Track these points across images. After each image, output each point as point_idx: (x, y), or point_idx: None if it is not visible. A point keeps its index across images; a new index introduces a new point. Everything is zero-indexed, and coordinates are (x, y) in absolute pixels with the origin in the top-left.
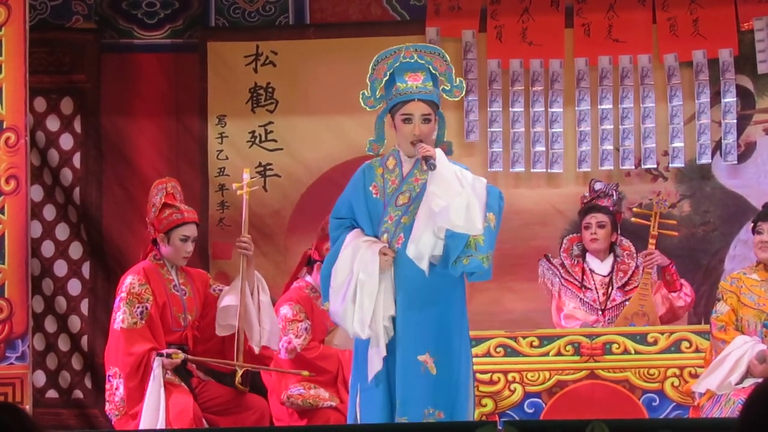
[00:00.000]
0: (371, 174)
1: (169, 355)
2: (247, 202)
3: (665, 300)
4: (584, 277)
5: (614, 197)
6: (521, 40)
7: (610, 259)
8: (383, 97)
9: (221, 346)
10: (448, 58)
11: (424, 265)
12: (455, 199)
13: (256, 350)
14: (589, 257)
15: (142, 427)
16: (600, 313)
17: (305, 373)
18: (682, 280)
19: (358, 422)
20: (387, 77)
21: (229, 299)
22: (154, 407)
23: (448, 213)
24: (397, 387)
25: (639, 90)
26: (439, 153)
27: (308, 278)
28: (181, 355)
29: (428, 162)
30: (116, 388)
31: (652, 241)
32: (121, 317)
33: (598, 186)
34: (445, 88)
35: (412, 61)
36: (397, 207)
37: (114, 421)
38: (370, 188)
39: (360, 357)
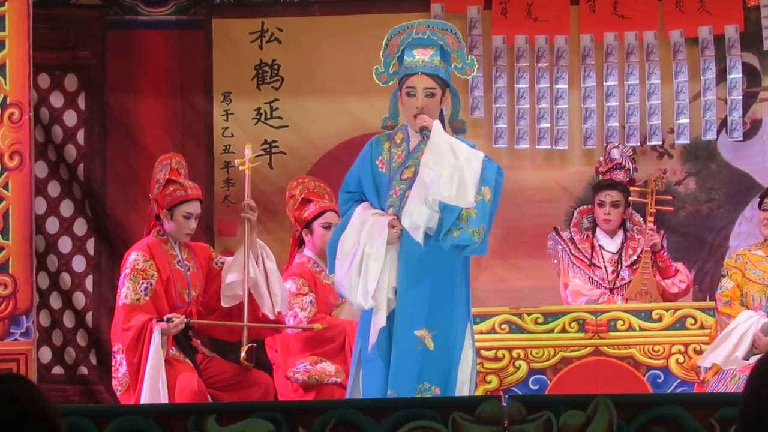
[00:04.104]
0: (378, 148)
1: (169, 319)
2: (249, 178)
3: (659, 286)
4: (593, 254)
5: (630, 169)
6: (526, 16)
7: (620, 236)
8: (396, 72)
9: (228, 316)
10: (461, 36)
11: (419, 237)
12: (447, 170)
13: (271, 317)
14: (599, 232)
15: (143, 398)
16: (608, 291)
17: (318, 326)
18: (678, 265)
19: (360, 395)
20: (399, 53)
21: (234, 275)
22: (154, 377)
23: (439, 184)
24: (391, 360)
25: (644, 66)
26: (436, 124)
27: (307, 252)
28: (182, 318)
29: (423, 131)
30: (120, 363)
31: (650, 218)
32: (124, 293)
33: (615, 154)
34: (457, 65)
35: (425, 37)
36: (402, 181)
37: (119, 396)
38: (377, 162)
39: (365, 331)
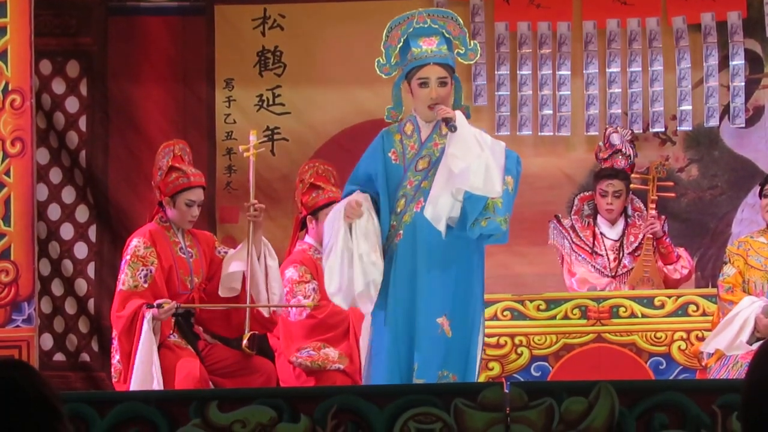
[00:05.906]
0: (390, 140)
1: (159, 305)
2: (254, 165)
3: (661, 272)
4: (595, 242)
5: (630, 155)
6: (529, 3)
7: (621, 223)
8: (398, 63)
9: (227, 311)
10: (461, 22)
11: (441, 227)
12: (475, 161)
13: (266, 314)
14: (600, 220)
15: (133, 385)
16: (613, 279)
17: (309, 304)
18: (680, 250)
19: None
20: (401, 43)
21: (235, 265)
22: (146, 363)
23: (468, 175)
24: (416, 349)
25: (647, 53)
26: (459, 115)
27: (308, 239)
28: (173, 303)
29: (449, 123)
30: (116, 350)
31: (652, 205)
32: (122, 279)
33: (614, 139)
34: (460, 51)
35: (426, 26)
36: (417, 172)
37: (114, 383)
38: (390, 154)
39: (375, 326)
